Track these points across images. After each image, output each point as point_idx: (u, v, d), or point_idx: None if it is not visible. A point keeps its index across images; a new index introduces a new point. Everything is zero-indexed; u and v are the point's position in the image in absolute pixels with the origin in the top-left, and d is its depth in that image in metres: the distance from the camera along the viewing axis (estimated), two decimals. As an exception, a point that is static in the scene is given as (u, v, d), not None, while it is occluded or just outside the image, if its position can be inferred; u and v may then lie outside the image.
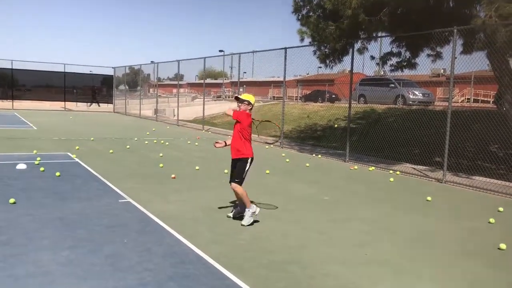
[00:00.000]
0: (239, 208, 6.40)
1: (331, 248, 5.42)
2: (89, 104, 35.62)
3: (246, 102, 6.29)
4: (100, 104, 35.69)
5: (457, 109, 14.78)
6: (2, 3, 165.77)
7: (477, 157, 11.35)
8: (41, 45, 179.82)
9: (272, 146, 15.79)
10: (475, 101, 30.15)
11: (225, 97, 47.51)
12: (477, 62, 11.64)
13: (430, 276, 4.69)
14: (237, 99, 6.35)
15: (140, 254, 4.87)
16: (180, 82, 31.13)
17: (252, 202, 6.33)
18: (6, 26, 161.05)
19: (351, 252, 5.28)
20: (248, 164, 6.27)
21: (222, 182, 8.62)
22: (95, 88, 35.91)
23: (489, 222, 6.87)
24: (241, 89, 28.04)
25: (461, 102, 30.91)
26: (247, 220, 6.14)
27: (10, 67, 32.45)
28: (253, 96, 6.59)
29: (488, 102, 29.00)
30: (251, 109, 6.38)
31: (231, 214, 6.51)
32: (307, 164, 11.88)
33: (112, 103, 35.83)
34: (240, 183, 6.21)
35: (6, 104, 32.73)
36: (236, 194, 6.25)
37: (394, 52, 13.49)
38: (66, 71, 34.15)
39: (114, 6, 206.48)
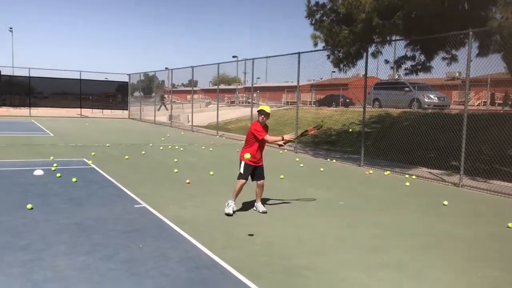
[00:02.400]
0: (234, 202, 6.93)
1: (347, 253, 5.38)
2: (158, 107, 35.26)
3: (268, 114, 6.92)
4: (167, 107, 35.31)
5: (473, 113, 14.61)
6: (18, 12, 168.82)
7: (495, 161, 11.17)
8: (57, 53, 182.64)
9: (286, 151, 15.77)
10: (492, 103, 29.74)
11: (239, 102, 47.63)
12: (494, 65, 11.50)
13: (448, 282, 4.63)
14: (262, 112, 6.87)
15: (155, 259, 4.89)
16: (194, 88, 31.31)
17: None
18: (23, 34, 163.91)
19: (367, 257, 5.24)
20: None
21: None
22: (164, 93, 36.51)
23: (508, 227, 6.75)
24: (254, 95, 28.19)
25: (477, 105, 30.53)
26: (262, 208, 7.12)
27: (28, 75, 33.01)
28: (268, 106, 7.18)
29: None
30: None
31: (230, 211, 6.85)
32: (322, 169, 11.83)
33: (127, 109, 36.21)
34: None
35: (23, 111, 33.28)
36: (262, 188, 7.16)
37: (409, 55, 13.41)
38: (82, 78, 34.65)
39: (129, 14, 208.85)
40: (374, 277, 4.66)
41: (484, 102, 30.11)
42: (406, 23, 11.50)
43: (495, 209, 8.14)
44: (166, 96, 36.67)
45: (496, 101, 29.14)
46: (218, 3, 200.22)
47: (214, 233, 5.94)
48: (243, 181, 6.91)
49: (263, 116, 6.87)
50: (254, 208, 7.20)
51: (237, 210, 7.05)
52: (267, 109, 6.91)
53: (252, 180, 7.09)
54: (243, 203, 7.46)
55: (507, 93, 26.93)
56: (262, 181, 7.11)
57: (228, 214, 6.75)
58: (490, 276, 4.85)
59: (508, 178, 10.40)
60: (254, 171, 7.03)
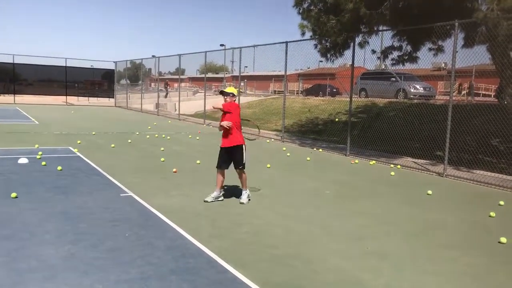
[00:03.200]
0: (216, 193, 6.97)
1: (332, 242, 5.43)
2: (164, 95, 35.64)
3: (230, 95, 6.96)
4: (168, 95, 36.36)
5: (458, 103, 14.75)
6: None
7: (478, 151, 11.33)
8: (42, 40, 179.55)
9: (273, 140, 15.80)
10: (476, 95, 30.04)
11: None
12: (479, 56, 11.60)
13: (431, 270, 4.70)
14: (222, 93, 7.03)
15: (141, 248, 4.89)
16: (182, 77, 31.10)
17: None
18: (8, 20, 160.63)
19: (353, 246, 5.30)
20: (244, 150, 6.95)
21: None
22: (167, 80, 37.23)
23: (490, 216, 6.88)
24: (241, 84, 28.14)
25: (462, 95, 30.78)
26: (246, 199, 7.00)
27: (12, 62, 32.43)
28: (235, 88, 7.32)
29: (489, 96, 28.92)
30: (235, 100, 7.14)
31: (209, 199, 6.93)
32: (308, 158, 11.89)
33: (113, 98, 35.87)
34: (244, 167, 6.96)
35: (8, 98, 32.74)
36: (242, 178, 7.00)
37: (395, 46, 13.46)
38: (67, 65, 34.16)
39: (115, 0, 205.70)
40: (359, 265, 4.72)
41: (468, 92, 30.40)
42: (393, 13, 11.53)
43: (477, 199, 8.27)
44: (169, 83, 37.39)
45: (462, 91, 29.54)
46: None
47: (200, 222, 5.96)
48: (217, 169, 7.00)
49: (226, 97, 6.97)
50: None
51: (224, 199, 7.07)
52: (230, 90, 7.01)
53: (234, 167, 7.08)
54: (230, 193, 7.48)
55: (471, 82, 27.32)
56: (239, 169, 6.97)
57: (205, 201, 6.89)
58: (472, 264, 4.95)
59: (491, 168, 10.57)
60: (232, 157, 6.93)
